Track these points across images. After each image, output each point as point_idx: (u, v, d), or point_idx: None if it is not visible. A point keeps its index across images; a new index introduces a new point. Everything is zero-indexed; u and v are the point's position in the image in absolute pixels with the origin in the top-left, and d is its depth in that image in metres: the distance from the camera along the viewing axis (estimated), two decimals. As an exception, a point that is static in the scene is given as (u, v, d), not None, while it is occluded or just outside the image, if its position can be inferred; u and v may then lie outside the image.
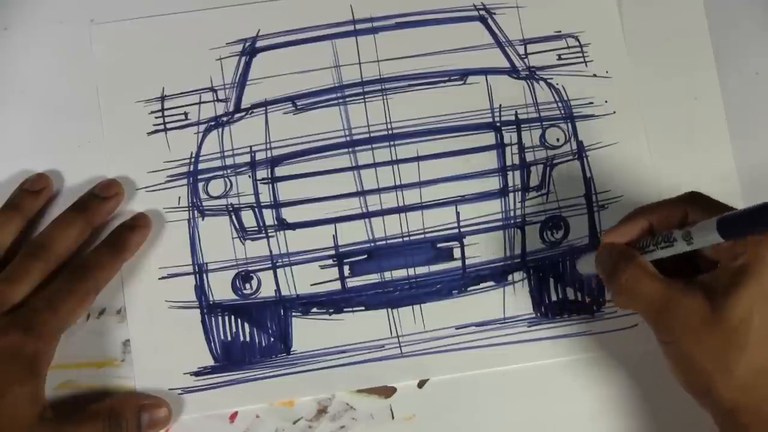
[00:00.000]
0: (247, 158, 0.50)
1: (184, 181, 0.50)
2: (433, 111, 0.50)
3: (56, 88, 0.50)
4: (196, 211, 0.50)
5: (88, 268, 0.46)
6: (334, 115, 0.50)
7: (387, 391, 0.49)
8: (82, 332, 0.48)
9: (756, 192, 0.50)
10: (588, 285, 0.50)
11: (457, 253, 0.49)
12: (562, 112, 0.51)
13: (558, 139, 0.50)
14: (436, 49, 0.51)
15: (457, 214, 0.49)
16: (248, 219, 0.49)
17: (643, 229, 0.41)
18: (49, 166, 0.50)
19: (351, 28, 0.51)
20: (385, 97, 0.50)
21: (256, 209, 0.49)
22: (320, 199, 0.49)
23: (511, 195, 0.50)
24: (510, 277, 0.49)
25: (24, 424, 0.41)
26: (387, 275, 0.49)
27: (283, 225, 0.49)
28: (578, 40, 0.52)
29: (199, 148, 0.50)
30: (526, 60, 0.52)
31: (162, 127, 0.50)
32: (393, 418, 0.48)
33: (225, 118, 0.50)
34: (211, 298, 0.49)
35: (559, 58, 0.52)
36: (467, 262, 0.49)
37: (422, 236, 0.49)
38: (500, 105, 0.50)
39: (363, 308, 0.49)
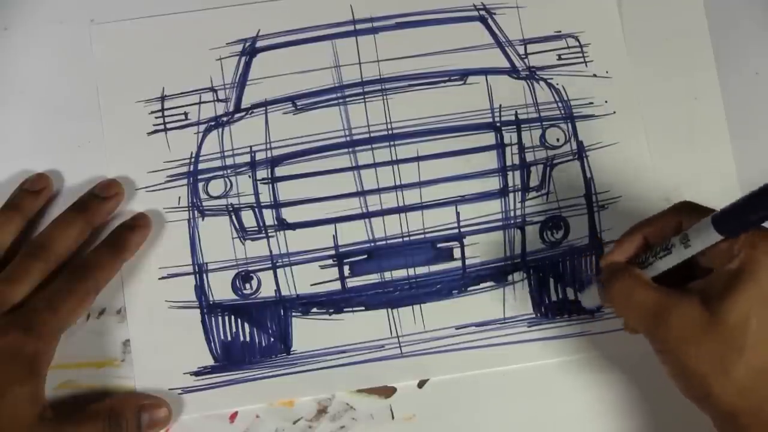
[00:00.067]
0: (247, 158, 0.50)
1: (184, 181, 0.50)
2: (433, 111, 0.50)
3: (56, 88, 0.50)
4: (196, 211, 0.50)
5: (88, 268, 0.46)
6: (334, 115, 0.50)
7: (387, 391, 0.49)
8: (82, 332, 0.48)
9: (756, 192, 0.50)
10: (588, 284, 0.49)
11: (457, 253, 0.49)
12: (562, 112, 0.51)
13: (558, 139, 0.50)
14: (436, 49, 0.51)
15: (457, 214, 0.49)
16: (248, 219, 0.49)
17: (639, 244, 0.41)
18: (49, 166, 0.50)
19: (351, 28, 0.51)
20: (385, 97, 0.50)
21: (256, 209, 0.49)
22: (320, 199, 0.49)
23: (511, 195, 0.50)
24: (510, 278, 0.50)
25: (24, 424, 0.41)
26: (387, 275, 0.49)
27: (283, 225, 0.49)
28: (578, 40, 0.52)
29: (199, 148, 0.50)
30: (526, 60, 0.52)
31: (162, 127, 0.50)
32: (393, 418, 0.48)
33: (225, 118, 0.50)
34: (211, 298, 0.49)
35: (559, 58, 0.52)
36: (467, 262, 0.49)
37: (422, 236, 0.49)
38: (500, 105, 0.50)
39: (363, 308, 0.49)
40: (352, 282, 0.49)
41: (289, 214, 0.49)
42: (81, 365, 0.48)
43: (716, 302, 0.36)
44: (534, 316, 0.49)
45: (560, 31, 0.52)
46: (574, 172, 0.50)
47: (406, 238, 0.49)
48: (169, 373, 0.48)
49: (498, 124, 0.50)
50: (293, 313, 0.49)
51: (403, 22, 0.51)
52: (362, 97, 0.50)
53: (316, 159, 0.50)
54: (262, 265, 0.49)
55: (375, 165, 0.50)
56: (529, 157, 0.50)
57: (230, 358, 0.48)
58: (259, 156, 0.50)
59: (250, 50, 0.51)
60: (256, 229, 0.49)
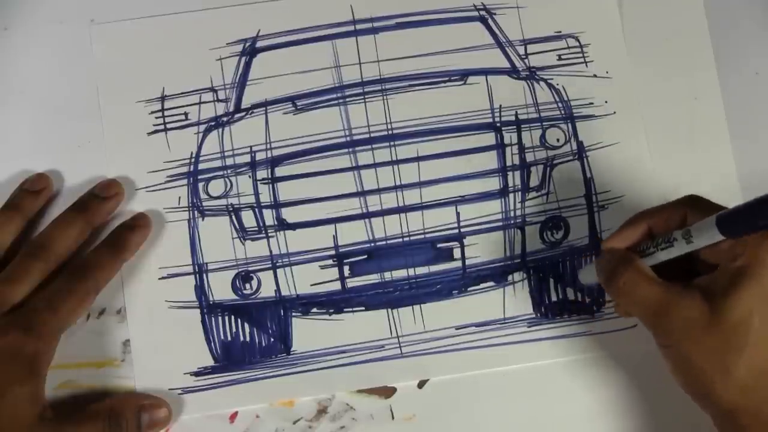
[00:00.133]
0: (247, 158, 0.50)
1: (184, 181, 0.50)
2: (433, 111, 0.50)
3: (56, 88, 0.50)
4: (196, 211, 0.50)
5: (88, 268, 0.46)
6: (335, 115, 0.50)
7: (387, 392, 0.49)
8: (82, 332, 0.48)
9: (756, 192, 0.50)
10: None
11: (457, 253, 0.49)
12: (563, 112, 0.51)
13: (558, 140, 0.50)
14: (436, 50, 0.51)
15: (457, 214, 0.49)
16: (248, 219, 0.49)
17: (642, 233, 0.41)
18: (49, 166, 0.50)
19: (351, 28, 0.51)
20: (385, 97, 0.50)
21: (256, 209, 0.49)
22: (320, 199, 0.49)
23: (511, 195, 0.50)
24: (510, 278, 0.50)
25: (24, 424, 0.41)
26: (387, 275, 0.49)
27: (283, 225, 0.49)
28: (578, 41, 0.52)
29: (199, 148, 0.50)
30: (526, 60, 0.52)
31: (162, 127, 0.50)
32: (393, 418, 0.48)
33: (225, 118, 0.50)
34: (211, 298, 0.49)
35: (560, 59, 0.52)
36: (467, 262, 0.49)
37: (422, 236, 0.49)
38: (500, 105, 0.50)
39: (363, 308, 0.49)
40: (352, 282, 0.49)
41: (289, 214, 0.49)
42: (81, 365, 0.48)
43: (719, 299, 0.36)
44: (534, 316, 0.49)
45: (560, 32, 0.52)
46: (574, 172, 0.50)
47: (406, 238, 0.49)
48: (169, 373, 0.48)
49: (498, 125, 0.50)
50: (293, 313, 0.49)
51: (404, 22, 0.51)
52: (362, 97, 0.50)
53: (316, 159, 0.50)
54: (262, 265, 0.49)
55: (375, 165, 0.50)
56: (530, 157, 0.50)
57: (230, 358, 0.48)
58: (259, 156, 0.50)
59: (250, 50, 0.51)
60: (256, 229, 0.49)
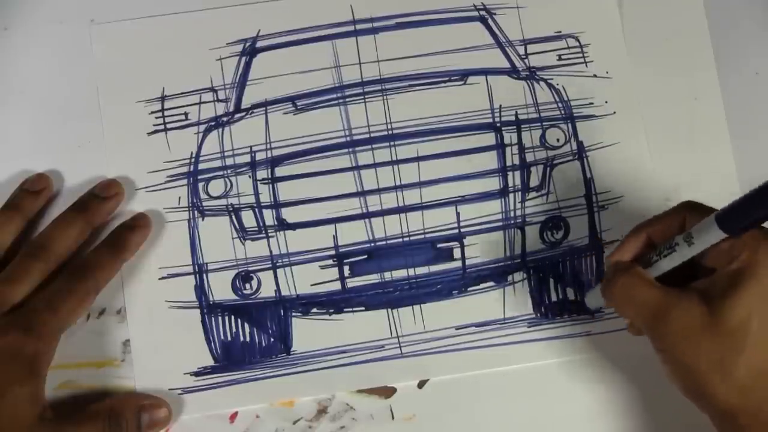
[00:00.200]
0: (247, 158, 0.50)
1: (184, 181, 0.50)
2: (433, 111, 0.50)
3: (56, 88, 0.50)
4: (196, 211, 0.50)
5: (88, 268, 0.46)
6: (335, 115, 0.50)
7: (387, 392, 0.49)
8: (82, 332, 0.48)
9: (756, 192, 0.50)
10: (588, 285, 0.50)
11: (457, 253, 0.49)
12: (563, 112, 0.51)
13: (558, 140, 0.50)
14: (436, 50, 0.51)
15: (457, 214, 0.49)
16: (248, 219, 0.49)
17: (644, 243, 0.41)
18: (49, 166, 0.50)
19: (351, 28, 0.51)
20: (385, 97, 0.50)
21: (256, 209, 0.49)
22: (320, 199, 0.49)
23: (511, 195, 0.50)
24: (510, 278, 0.50)
25: (24, 425, 0.41)
26: (387, 275, 0.49)
27: (283, 225, 0.49)
28: (578, 41, 0.52)
29: (199, 148, 0.50)
30: (526, 60, 0.52)
31: (162, 127, 0.50)
32: (393, 418, 0.48)
33: (225, 119, 0.50)
34: (211, 298, 0.49)
35: (560, 59, 0.52)
36: (467, 262, 0.49)
37: (422, 236, 0.49)
38: (500, 105, 0.50)
39: (363, 308, 0.49)
40: (352, 282, 0.49)
41: (289, 214, 0.49)
42: (81, 365, 0.48)
43: (718, 301, 0.36)
44: (534, 316, 0.49)
45: (560, 32, 0.52)
46: (574, 172, 0.50)
47: (406, 239, 0.49)
48: (169, 373, 0.48)
49: (498, 125, 0.50)
50: (293, 313, 0.49)
51: (404, 22, 0.51)
52: (362, 97, 0.50)
53: (316, 159, 0.50)
54: (262, 265, 0.49)
55: (375, 165, 0.50)
56: (530, 157, 0.50)
57: (230, 358, 0.48)
58: (259, 156, 0.50)
59: (251, 50, 0.51)
60: (256, 229, 0.49)
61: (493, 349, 0.49)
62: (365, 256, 0.49)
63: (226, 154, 0.50)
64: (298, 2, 0.52)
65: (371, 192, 0.49)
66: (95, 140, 0.50)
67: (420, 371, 0.49)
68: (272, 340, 0.49)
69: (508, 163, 0.50)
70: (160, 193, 0.50)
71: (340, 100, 0.50)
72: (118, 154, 0.50)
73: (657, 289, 0.38)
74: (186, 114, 0.50)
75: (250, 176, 0.49)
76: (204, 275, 0.49)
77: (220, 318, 0.49)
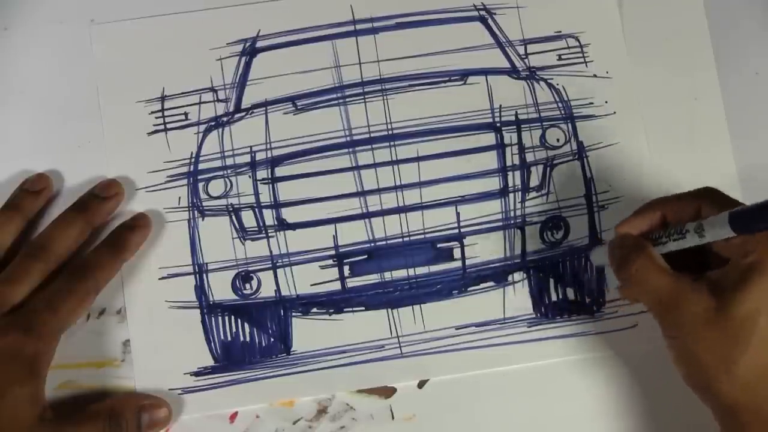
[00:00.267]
0: (247, 158, 0.50)
1: (184, 181, 0.50)
2: (433, 111, 0.50)
3: (56, 88, 0.50)
4: (196, 211, 0.49)
5: (88, 268, 0.46)
6: (335, 115, 0.50)
7: (387, 392, 0.49)
8: (82, 332, 0.48)
9: (756, 192, 0.50)
10: (588, 285, 0.50)
11: (457, 253, 0.49)
12: (563, 112, 0.51)
13: (558, 140, 0.50)
14: (436, 50, 0.51)
15: (457, 214, 0.49)
16: (248, 219, 0.49)
17: (656, 220, 0.41)
18: (49, 166, 0.50)
19: (351, 28, 0.51)
20: (385, 97, 0.50)
21: (256, 209, 0.49)
22: (320, 199, 0.49)
23: (511, 195, 0.50)
24: (510, 278, 0.49)
25: (24, 425, 0.41)
26: (387, 275, 0.49)
27: (283, 225, 0.49)
28: (578, 41, 0.52)
29: (199, 148, 0.50)
30: (526, 60, 0.52)
31: (162, 127, 0.50)
32: (393, 418, 0.48)
33: (225, 119, 0.50)
34: (211, 298, 0.49)
35: (560, 59, 0.52)
36: (467, 262, 0.49)
37: (422, 236, 0.49)
38: (500, 105, 0.50)
39: (363, 308, 0.49)
40: (352, 282, 0.49)
41: (289, 214, 0.49)
42: (81, 365, 0.48)
43: (728, 294, 0.36)
44: (534, 316, 0.49)
45: (560, 32, 0.52)
46: (574, 172, 0.50)
47: (406, 239, 0.49)
48: (169, 373, 0.48)
49: (498, 125, 0.50)
50: (293, 313, 0.49)
51: (404, 22, 0.51)
52: (362, 97, 0.50)
53: (316, 159, 0.50)
54: (262, 265, 0.49)
55: (375, 165, 0.50)
56: (530, 157, 0.50)
57: (230, 358, 0.48)
58: (260, 156, 0.50)
59: (251, 50, 0.51)
60: (256, 229, 0.49)
61: (493, 349, 0.49)
62: (365, 256, 0.49)
63: (226, 154, 0.50)
64: (298, 2, 0.52)
65: (371, 192, 0.49)
66: (95, 140, 0.50)
67: (420, 371, 0.49)
68: (272, 340, 0.49)
69: (508, 163, 0.50)
70: (160, 193, 0.50)
71: (340, 100, 0.50)
72: (118, 154, 0.50)
73: (669, 276, 0.38)
74: (186, 114, 0.50)
75: (250, 176, 0.49)
76: (204, 275, 0.49)
77: (220, 318, 0.49)
